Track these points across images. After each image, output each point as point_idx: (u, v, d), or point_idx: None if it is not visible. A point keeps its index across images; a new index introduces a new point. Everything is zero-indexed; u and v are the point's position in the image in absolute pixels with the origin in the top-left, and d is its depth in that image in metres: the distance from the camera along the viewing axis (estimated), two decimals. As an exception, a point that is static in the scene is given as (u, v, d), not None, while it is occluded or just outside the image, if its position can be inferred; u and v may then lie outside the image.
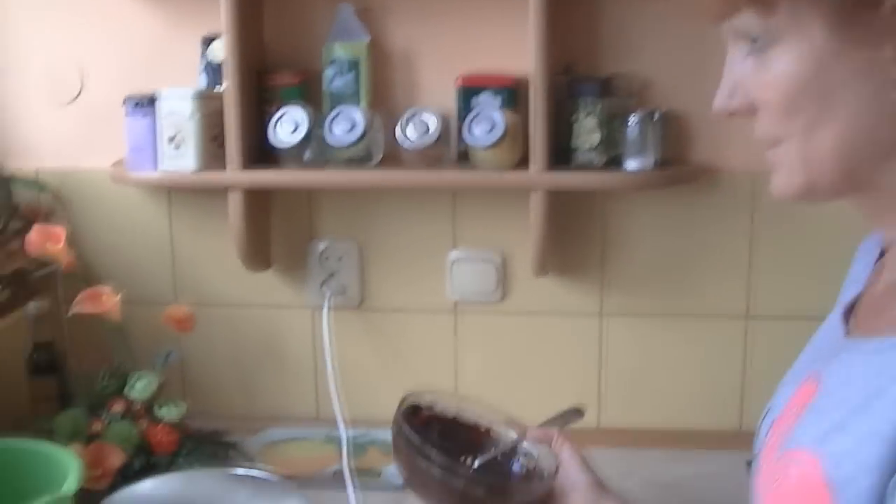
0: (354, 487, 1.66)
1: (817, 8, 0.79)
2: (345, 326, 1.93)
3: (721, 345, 1.90)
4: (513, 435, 1.21)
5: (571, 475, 1.12)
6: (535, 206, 1.73)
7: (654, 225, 1.87)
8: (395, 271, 1.93)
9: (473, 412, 1.25)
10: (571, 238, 1.87)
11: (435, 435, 1.17)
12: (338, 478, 1.71)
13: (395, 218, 1.91)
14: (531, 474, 1.18)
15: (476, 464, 1.16)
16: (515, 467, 1.20)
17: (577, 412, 1.28)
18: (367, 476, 1.71)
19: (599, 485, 1.12)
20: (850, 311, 0.97)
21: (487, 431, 1.23)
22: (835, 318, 0.99)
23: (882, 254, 0.98)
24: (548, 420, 1.25)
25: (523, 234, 1.79)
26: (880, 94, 0.80)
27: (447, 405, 1.25)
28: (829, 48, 0.80)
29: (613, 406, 1.94)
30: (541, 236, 1.75)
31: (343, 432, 1.82)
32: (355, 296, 1.94)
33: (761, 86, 0.84)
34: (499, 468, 1.19)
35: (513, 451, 1.20)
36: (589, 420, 1.90)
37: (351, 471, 1.70)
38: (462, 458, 1.16)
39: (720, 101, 0.89)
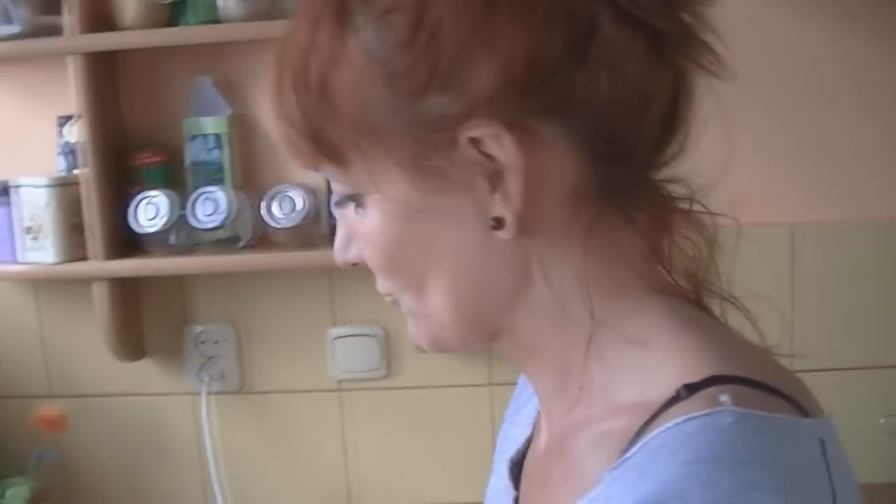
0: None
1: (389, 161, 0.69)
2: (227, 412, 1.85)
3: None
4: None
5: None
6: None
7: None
8: (274, 352, 1.84)
9: None
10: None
11: None
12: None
13: (271, 297, 1.83)
14: None
15: None
16: None
17: None
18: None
19: None
20: (518, 465, 0.84)
21: None
22: (504, 466, 0.86)
23: None
24: None
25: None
26: (479, 240, 0.70)
27: None
28: (413, 201, 0.70)
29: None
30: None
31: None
32: (235, 380, 1.85)
33: (362, 242, 0.75)
34: None
35: None
36: None
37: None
38: None
39: (338, 252, 0.78)
